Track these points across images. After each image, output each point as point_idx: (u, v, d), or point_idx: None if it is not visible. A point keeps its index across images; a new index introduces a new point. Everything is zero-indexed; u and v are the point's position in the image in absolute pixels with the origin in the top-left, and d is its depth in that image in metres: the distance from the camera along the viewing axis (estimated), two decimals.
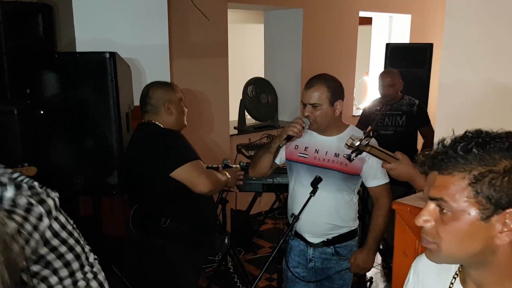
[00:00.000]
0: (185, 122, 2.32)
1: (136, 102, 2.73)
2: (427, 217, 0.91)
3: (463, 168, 0.85)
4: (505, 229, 0.84)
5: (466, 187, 0.85)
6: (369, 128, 3.60)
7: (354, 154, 1.63)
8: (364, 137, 1.60)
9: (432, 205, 0.90)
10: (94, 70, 2.41)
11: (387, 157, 1.68)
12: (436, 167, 0.89)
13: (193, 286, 2.34)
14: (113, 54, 2.39)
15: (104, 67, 2.38)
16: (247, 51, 6.13)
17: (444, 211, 0.88)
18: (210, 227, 2.28)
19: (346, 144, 1.62)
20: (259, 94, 4.72)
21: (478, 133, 0.88)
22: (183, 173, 2.09)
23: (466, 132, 0.89)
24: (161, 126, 2.21)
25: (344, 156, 1.72)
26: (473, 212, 0.85)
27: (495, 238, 0.85)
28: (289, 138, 2.03)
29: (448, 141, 0.89)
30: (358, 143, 1.58)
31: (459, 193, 0.85)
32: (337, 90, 2.08)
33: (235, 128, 4.67)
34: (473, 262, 0.90)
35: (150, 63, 3.06)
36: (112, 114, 2.42)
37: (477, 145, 0.85)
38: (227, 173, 2.39)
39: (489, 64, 1.27)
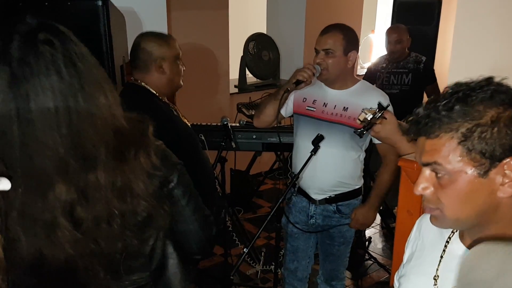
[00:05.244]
0: (181, 83, 2.09)
1: None
2: (424, 184, 0.87)
3: (449, 128, 0.81)
4: (506, 180, 0.80)
5: (457, 147, 0.81)
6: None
7: (365, 130, 1.52)
8: (378, 110, 1.50)
9: (427, 171, 0.86)
10: (86, 19, 2.27)
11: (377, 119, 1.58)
12: (422, 133, 0.84)
13: None
14: (106, 2, 2.25)
15: (97, 16, 2.24)
16: (249, 5, 5.91)
17: (440, 175, 0.84)
18: (208, 201, 2.17)
19: (359, 119, 1.54)
20: (261, 51, 4.57)
21: (458, 87, 0.83)
22: None
23: (445, 88, 0.84)
24: (150, 90, 2.00)
25: (354, 132, 1.62)
26: (470, 170, 0.81)
27: (497, 192, 0.82)
28: (298, 83, 1.94)
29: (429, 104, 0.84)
30: (371, 117, 1.48)
31: (451, 154, 0.81)
32: (352, 40, 2.01)
33: (235, 86, 4.55)
34: (477, 223, 0.87)
35: (146, 13, 2.92)
36: (105, 67, 2.30)
37: (458, 101, 0.80)
38: None
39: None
